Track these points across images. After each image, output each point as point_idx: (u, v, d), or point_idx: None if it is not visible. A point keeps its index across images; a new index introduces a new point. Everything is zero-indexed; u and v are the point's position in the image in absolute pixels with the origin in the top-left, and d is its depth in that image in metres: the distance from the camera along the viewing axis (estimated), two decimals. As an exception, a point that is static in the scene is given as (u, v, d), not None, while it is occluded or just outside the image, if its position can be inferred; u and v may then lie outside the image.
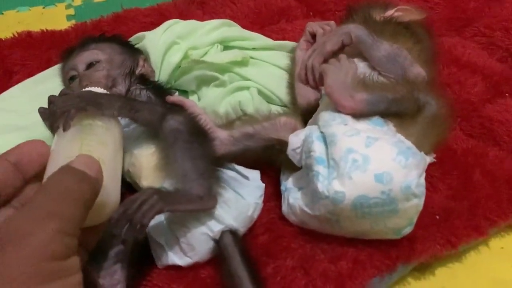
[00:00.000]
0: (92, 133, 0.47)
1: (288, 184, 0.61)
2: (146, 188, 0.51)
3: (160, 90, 0.64)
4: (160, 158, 0.55)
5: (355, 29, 0.66)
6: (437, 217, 0.60)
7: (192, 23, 0.79)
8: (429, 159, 0.60)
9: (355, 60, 0.65)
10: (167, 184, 0.54)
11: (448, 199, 0.63)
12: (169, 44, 0.73)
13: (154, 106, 0.58)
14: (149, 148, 0.58)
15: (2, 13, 1.10)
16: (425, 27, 0.73)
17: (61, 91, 0.61)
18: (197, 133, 0.56)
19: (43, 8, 1.13)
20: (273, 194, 0.63)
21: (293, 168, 0.61)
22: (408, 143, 0.56)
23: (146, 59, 0.71)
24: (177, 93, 0.71)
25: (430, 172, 0.63)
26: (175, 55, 0.73)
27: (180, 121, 0.55)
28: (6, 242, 0.28)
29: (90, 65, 0.63)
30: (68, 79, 0.65)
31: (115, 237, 0.50)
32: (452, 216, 0.61)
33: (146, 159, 0.58)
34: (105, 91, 0.54)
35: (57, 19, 1.08)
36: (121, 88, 0.64)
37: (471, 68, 0.81)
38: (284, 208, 0.60)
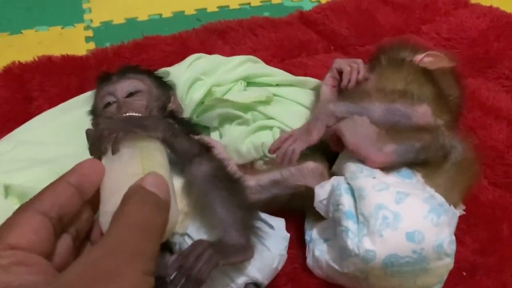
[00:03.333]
0: (149, 154, 0.45)
1: (313, 234, 0.60)
2: (197, 241, 0.48)
3: (189, 128, 0.62)
4: (192, 205, 0.53)
5: (335, 108, 0.63)
6: (464, 273, 0.59)
7: (216, 58, 0.78)
8: (458, 212, 0.58)
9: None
10: (193, 231, 0.53)
11: (475, 254, 0.62)
12: (192, 80, 0.72)
13: (191, 138, 0.56)
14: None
15: (21, 32, 1.10)
16: (452, 73, 0.72)
17: (104, 116, 0.61)
18: (232, 180, 0.54)
19: (62, 28, 1.12)
20: (296, 240, 0.61)
21: (317, 216, 0.60)
22: (440, 198, 0.55)
23: (175, 95, 0.70)
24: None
25: (457, 224, 0.62)
26: (199, 91, 0.72)
27: (213, 167, 0.53)
28: (97, 282, 0.28)
29: (131, 94, 0.63)
30: (104, 105, 0.64)
31: None
32: (479, 273, 0.59)
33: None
34: None
35: (75, 41, 1.07)
36: None
37: (496, 113, 0.80)
38: (309, 260, 0.58)
